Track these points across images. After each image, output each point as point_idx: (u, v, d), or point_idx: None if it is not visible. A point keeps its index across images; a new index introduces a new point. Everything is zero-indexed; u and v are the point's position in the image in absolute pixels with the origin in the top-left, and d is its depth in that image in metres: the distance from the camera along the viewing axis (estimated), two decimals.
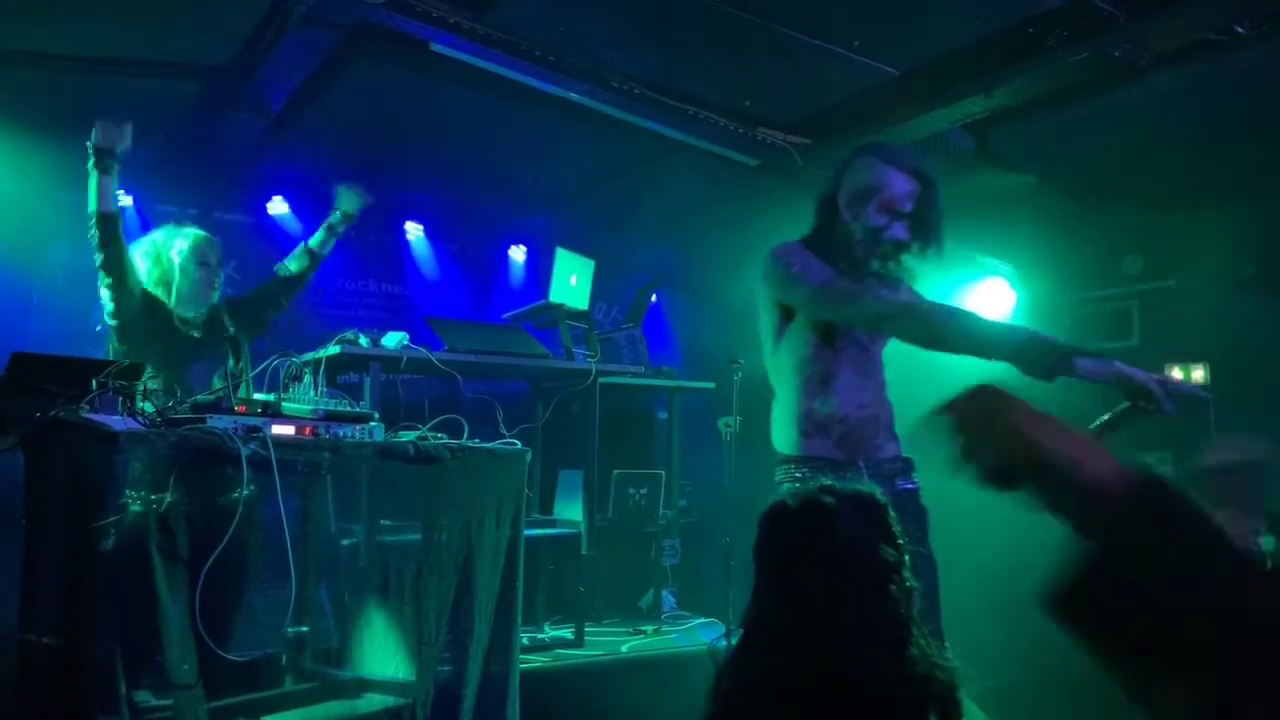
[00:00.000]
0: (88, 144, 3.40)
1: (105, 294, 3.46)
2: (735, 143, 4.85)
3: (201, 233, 3.66)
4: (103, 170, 3.39)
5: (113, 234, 3.41)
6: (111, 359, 3.40)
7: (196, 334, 3.55)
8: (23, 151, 4.84)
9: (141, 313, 3.47)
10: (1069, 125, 4.42)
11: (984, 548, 4.18)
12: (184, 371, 3.38)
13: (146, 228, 4.43)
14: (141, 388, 2.60)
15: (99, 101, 4.65)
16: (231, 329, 3.62)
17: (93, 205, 3.41)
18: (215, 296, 3.62)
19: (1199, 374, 5.25)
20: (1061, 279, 5.83)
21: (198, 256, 3.54)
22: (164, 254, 3.55)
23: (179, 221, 3.66)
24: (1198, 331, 5.12)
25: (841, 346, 2.69)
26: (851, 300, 2.55)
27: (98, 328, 3.61)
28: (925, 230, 2.64)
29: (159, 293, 3.55)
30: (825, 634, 1.52)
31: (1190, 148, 4.44)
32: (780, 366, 2.74)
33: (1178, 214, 4.86)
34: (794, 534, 1.64)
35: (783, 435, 2.72)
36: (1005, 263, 6.05)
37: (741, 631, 1.67)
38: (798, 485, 2.40)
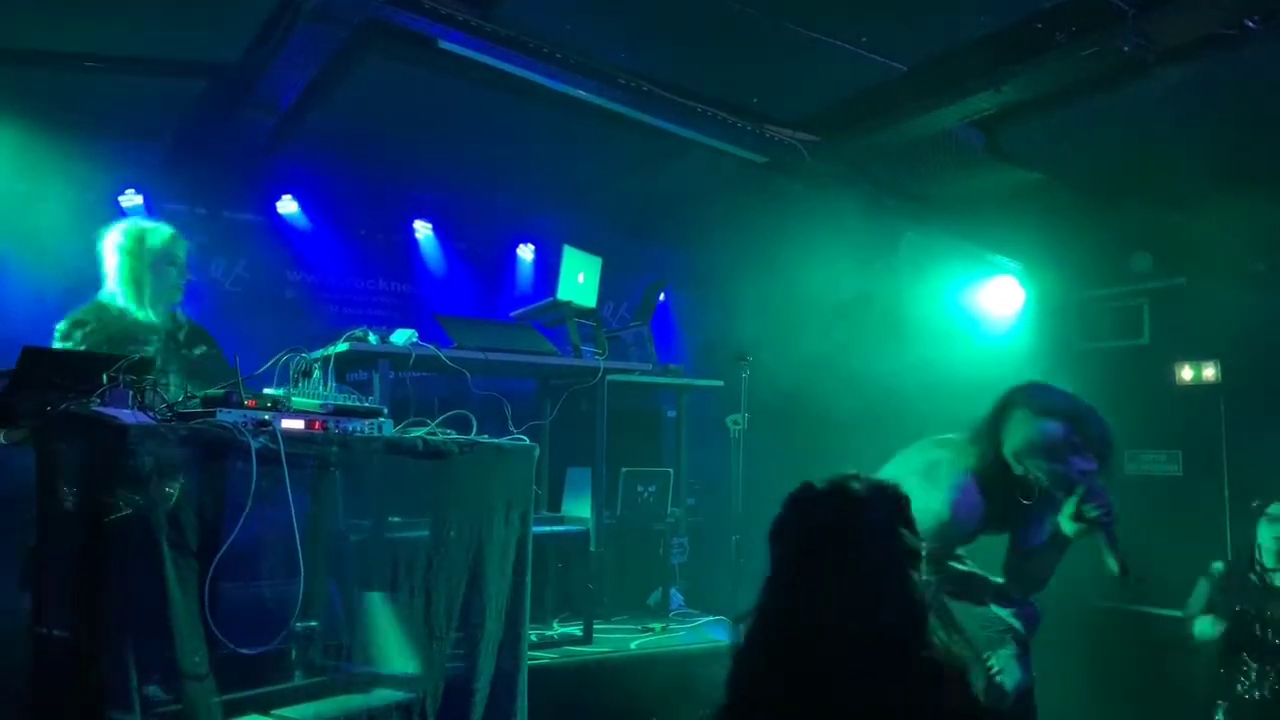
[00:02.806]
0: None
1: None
2: (743, 140, 4.84)
3: (170, 229, 3.58)
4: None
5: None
6: None
7: (150, 348, 3.43)
8: (34, 150, 4.86)
9: (94, 330, 3.37)
10: (1078, 121, 4.40)
11: None
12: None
13: None
14: (151, 381, 2.60)
15: (110, 100, 4.69)
16: (184, 349, 3.51)
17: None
18: (179, 297, 3.54)
19: (1210, 371, 5.23)
20: (1071, 276, 5.80)
21: (169, 257, 3.48)
22: (142, 249, 3.46)
23: (159, 217, 3.56)
24: (1208, 329, 5.10)
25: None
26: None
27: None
28: (1102, 448, 2.89)
29: (128, 292, 3.45)
30: (845, 615, 1.56)
31: (1200, 144, 4.42)
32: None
33: (1187, 211, 4.83)
34: (821, 515, 1.67)
35: None
36: (1014, 260, 6.03)
37: (754, 617, 1.69)
38: None
